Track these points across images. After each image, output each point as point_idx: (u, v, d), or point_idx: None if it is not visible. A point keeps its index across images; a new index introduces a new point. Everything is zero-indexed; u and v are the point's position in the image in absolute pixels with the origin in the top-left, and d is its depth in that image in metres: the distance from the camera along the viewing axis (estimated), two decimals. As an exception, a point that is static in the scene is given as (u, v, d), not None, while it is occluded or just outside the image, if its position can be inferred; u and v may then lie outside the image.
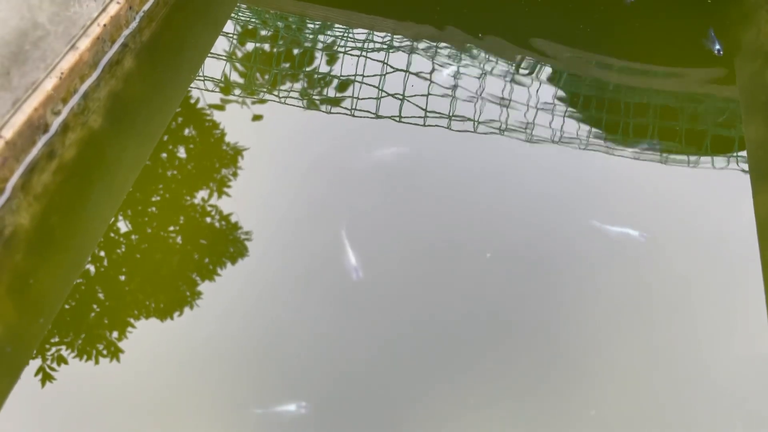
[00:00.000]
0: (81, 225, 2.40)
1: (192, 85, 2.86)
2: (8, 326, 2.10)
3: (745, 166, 2.78)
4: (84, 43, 2.40)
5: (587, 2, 3.47)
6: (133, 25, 2.65)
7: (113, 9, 2.53)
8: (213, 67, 2.98)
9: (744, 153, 2.84)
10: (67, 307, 2.18)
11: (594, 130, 2.91)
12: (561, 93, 3.09)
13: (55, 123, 2.33)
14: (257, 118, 2.83)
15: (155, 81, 2.83)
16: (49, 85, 2.26)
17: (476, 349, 2.18)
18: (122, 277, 2.29)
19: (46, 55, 2.24)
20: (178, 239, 2.41)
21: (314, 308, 2.23)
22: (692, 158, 2.81)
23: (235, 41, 3.17)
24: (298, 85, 3.03)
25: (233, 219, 2.45)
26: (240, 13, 3.32)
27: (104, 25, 2.48)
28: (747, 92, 3.06)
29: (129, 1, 2.60)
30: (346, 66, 3.09)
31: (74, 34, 2.37)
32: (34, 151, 2.25)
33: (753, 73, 3.10)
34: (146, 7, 2.72)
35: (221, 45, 3.12)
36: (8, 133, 2.13)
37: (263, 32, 3.30)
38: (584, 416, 2.07)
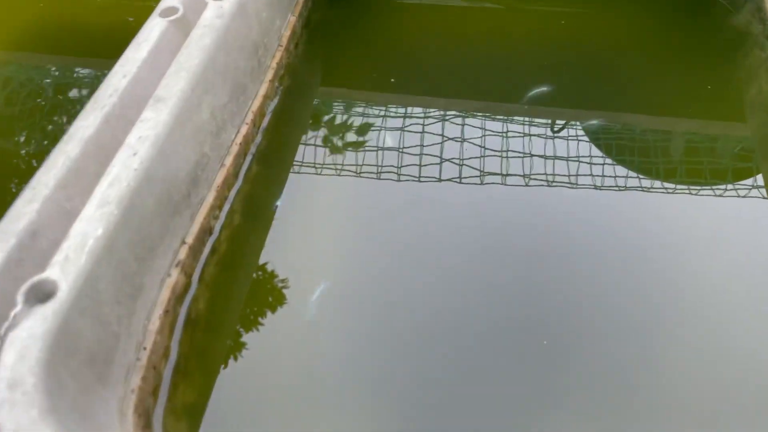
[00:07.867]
0: (231, 307, 2.99)
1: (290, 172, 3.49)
2: (199, 393, 2.68)
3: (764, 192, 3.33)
4: (229, 160, 3.05)
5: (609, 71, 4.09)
6: (258, 139, 3.30)
7: (244, 129, 3.18)
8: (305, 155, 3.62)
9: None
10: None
11: (630, 173, 3.49)
12: (596, 144, 3.68)
13: (216, 226, 2.95)
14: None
15: (270, 178, 3.47)
16: (211, 197, 2.89)
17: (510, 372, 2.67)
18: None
19: (208, 175, 2.88)
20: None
21: (347, 357, 2.60)
22: (717, 190, 3.36)
23: (316, 132, 3.81)
24: (354, 159, 3.60)
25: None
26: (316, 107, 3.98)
27: (240, 144, 3.13)
28: (761, 139, 3.65)
29: (254, 121, 3.25)
30: (388, 139, 3.66)
31: (223, 154, 3.02)
32: (205, 251, 2.87)
33: (761, 124, 3.70)
34: (264, 123, 3.38)
35: (308, 135, 3.76)
36: (190, 239, 2.74)
37: (337, 120, 3.94)
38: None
